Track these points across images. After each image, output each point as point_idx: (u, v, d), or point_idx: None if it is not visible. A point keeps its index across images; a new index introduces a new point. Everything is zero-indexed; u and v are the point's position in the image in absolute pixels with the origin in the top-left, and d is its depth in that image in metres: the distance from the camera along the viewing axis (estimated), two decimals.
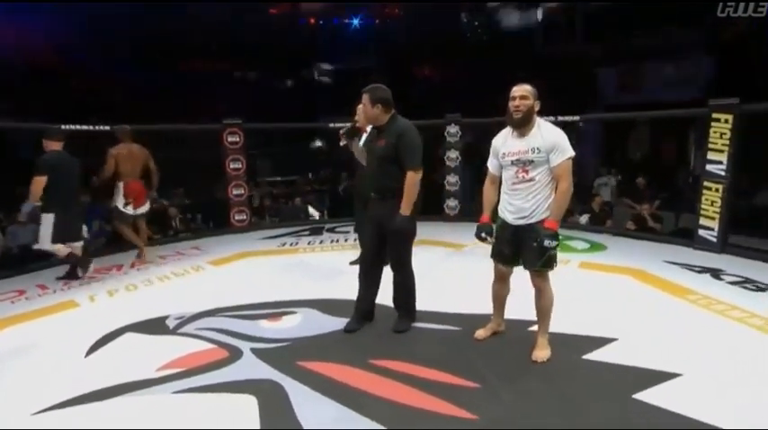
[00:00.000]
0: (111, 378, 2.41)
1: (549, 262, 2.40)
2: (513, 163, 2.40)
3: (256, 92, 10.83)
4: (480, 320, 2.89)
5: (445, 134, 6.28)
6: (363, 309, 2.96)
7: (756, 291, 3.51)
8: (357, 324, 2.93)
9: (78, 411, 2.16)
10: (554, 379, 2.34)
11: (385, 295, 2.98)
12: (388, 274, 2.94)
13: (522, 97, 2.34)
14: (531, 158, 2.35)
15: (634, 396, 2.18)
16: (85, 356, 2.72)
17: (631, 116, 8.04)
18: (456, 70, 11.09)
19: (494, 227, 2.56)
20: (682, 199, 6.64)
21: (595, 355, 2.56)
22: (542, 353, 2.53)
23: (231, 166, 6.00)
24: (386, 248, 2.84)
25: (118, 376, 2.43)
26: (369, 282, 2.93)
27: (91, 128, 5.06)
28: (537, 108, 2.38)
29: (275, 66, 11.33)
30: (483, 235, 2.54)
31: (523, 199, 2.40)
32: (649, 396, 2.17)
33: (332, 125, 5.92)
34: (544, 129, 2.37)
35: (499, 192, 2.56)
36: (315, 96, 12.24)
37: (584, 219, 6.20)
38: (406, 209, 2.69)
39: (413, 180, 2.67)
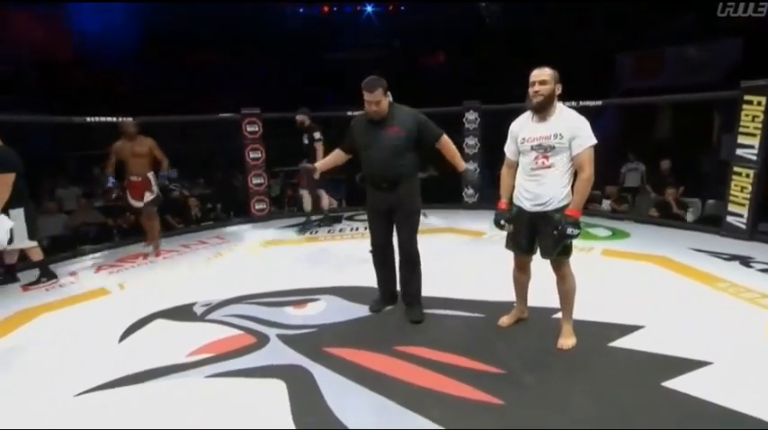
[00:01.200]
0: (145, 362, 2.49)
1: (567, 250, 2.37)
2: (533, 148, 2.33)
3: (268, 82, 10.82)
4: (503, 307, 2.88)
5: (464, 121, 6.21)
6: (389, 291, 3.06)
7: None
8: (382, 304, 3.04)
9: (118, 393, 2.24)
10: (579, 366, 2.34)
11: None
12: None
13: (542, 82, 2.27)
14: (553, 144, 2.28)
15: (663, 383, 2.15)
16: (119, 342, 2.80)
17: (659, 100, 7.81)
18: (472, 57, 10.89)
19: (511, 213, 2.51)
20: (707, 185, 6.46)
21: (622, 343, 2.53)
22: (568, 340, 2.51)
23: (251, 156, 6.03)
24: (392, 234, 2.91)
25: (151, 361, 2.50)
26: (388, 267, 3.00)
27: (115, 119, 5.13)
28: (558, 92, 2.30)
29: (286, 55, 11.28)
30: (502, 222, 2.50)
31: (541, 185, 2.34)
32: (679, 384, 2.14)
33: (349, 113, 5.89)
34: (566, 115, 2.31)
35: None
36: (327, 85, 12.19)
37: (606, 204, 6.10)
38: (461, 164, 2.86)
39: (449, 142, 2.83)
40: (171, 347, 2.65)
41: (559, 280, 2.49)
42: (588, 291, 3.16)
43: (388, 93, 2.72)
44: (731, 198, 4.39)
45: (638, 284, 3.41)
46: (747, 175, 4.24)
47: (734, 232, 4.41)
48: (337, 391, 2.17)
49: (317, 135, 5.13)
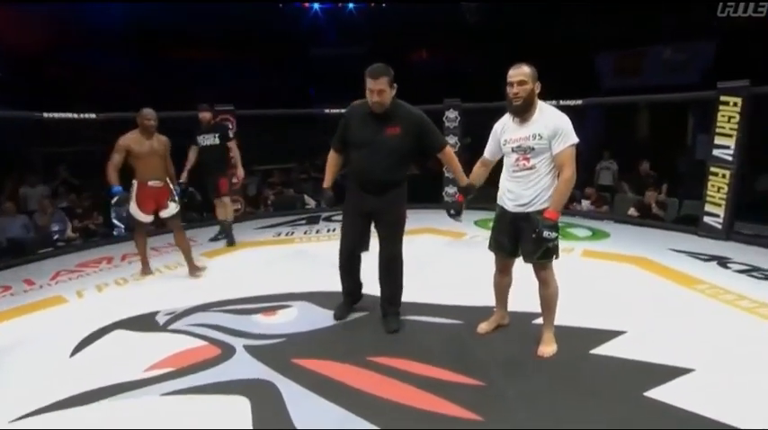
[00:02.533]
0: (97, 379, 2.29)
1: (548, 253, 2.29)
2: (513, 150, 2.29)
3: (248, 78, 10.54)
4: (483, 313, 2.79)
5: (444, 119, 6.10)
6: (353, 298, 2.93)
7: (764, 279, 3.41)
8: (346, 311, 2.90)
9: (60, 417, 2.03)
10: (561, 376, 2.24)
11: (375, 285, 2.86)
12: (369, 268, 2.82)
13: (521, 83, 2.19)
14: (532, 146, 2.22)
15: (646, 393, 2.07)
16: (71, 356, 2.58)
17: (636, 100, 7.87)
18: (455, 54, 10.82)
19: (463, 207, 2.57)
20: (683, 185, 6.52)
21: (603, 349, 2.46)
22: (548, 348, 2.43)
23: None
24: (366, 240, 2.74)
25: (104, 377, 2.30)
26: (354, 275, 2.85)
27: (76, 116, 4.85)
28: (537, 90, 2.23)
29: (267, 52, 11.01)
30: (452, 211, 2.55)
31: (524, 187, 2.29)
32: (662, 393, 2.06)
33: (327, 111, 5.75)
34: (547, 115, 2.23)
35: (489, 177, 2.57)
36: (309, 82, 11.97)
37: (585, 205, 6.08)
38: (463, 178, 2.69)
39: (452, 153, 2.71)
40: (128, 361, 2.45)
41: (541, 285, 2.41)
42: (569, 293, 3.11)
43: (395, 85, 2.47)
44: (708, 198, 4.40)
45: (619, 287, 3.37)
46: (724, 176, 4.25)
47: (711, 232, 4.42)
48: (305, 409, 2.02)
49: (230, 133, 4.70)
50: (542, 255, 2.28)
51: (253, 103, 6.11)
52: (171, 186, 3.73)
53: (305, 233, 5.18)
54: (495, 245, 2.50)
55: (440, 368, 2.31)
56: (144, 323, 2.95)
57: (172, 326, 2.88)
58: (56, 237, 5.38)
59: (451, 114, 6.09)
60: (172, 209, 3.68)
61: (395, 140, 2.48)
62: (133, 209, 3.62)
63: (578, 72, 9.79)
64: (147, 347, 2.61)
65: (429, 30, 10.98)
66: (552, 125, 2.19)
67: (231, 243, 4.77)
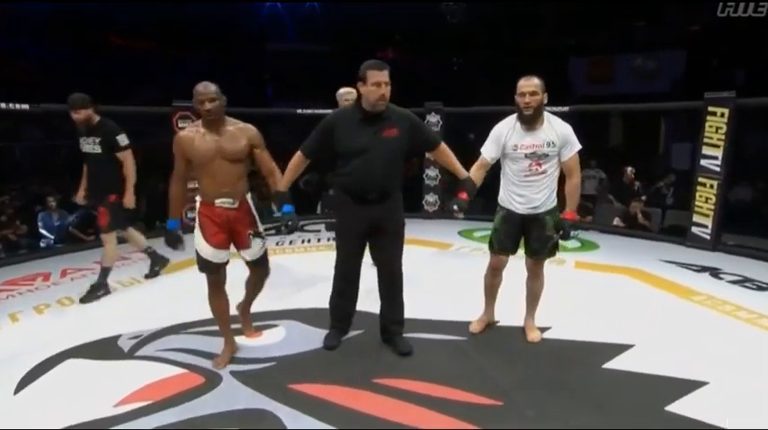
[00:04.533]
0: (54, 419, 2.12)
1: (554, 250, 2.72)
2: (526, 156, 2.57)
3: (201, 74, 10.28)
4: (487, 328, 2.94)
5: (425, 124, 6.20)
6: (346, 323, 2.85)
7: (757, 290, 3.72)
8: (338, 339, 2.81)
9: None
10: (580, 393, 2.34)
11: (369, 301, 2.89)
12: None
13: (532, 93, 2.49)
14: (547, 152, 2.55)
15: (667, 408, 2.20)
16: (15, 393, 2.36)
17: (621, 108, 8.37)
18: (429, 56, 11.07)
19: (467, 204, 2.66)
20: (660, 194, 6.99)
21: (615, 364, 2.59)
22: (536, 334, 2.85)
23: None
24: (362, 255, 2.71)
25: (66, 415, 2.14)
26: (352, 299, 2.79)
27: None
28: (545, 101, 2.54)
29: (222, 47, 10.78)
30: (455, 207, 2.64)
31: (535, 190, 2.60)
32: (683, 407, 2.21)
33: (300, 111, 5.73)
34: (555, 123, 2.58)
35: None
36: (267, 81, 11.83)
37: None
38: (462, 171, 2.67)
39: (447, 148, 2.71)
40: (91, 396, 2.30)
41: (534, 278, 2.81)
42: (570, 306, 3.32)
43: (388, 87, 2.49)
44: (696, 209, 4.74)
45: (619, 299, 3.55)
46: (711, 186, 4.60)
47: (698, 243, 4.76)
48: None
49: (123, 138, 3.55)
50: (551, 252, 2.70)
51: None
52: (253, 209, 2.59)
53: (277, 244, 5.07)
54: (498, 246, 2.77)
55: (453, 388, 2.35)
56: (104, 350, 2.77)
57: (140, 353, 2.73)
58: None
59: (433, 119, 6.21)
60: (255, 249, 2.58)
61: (394, 143, 2.49)
62: (199, 243, 2.48)
63: (552, 78, 10.35)
64: (112, 378, 2.46)
65: (398, 29, 11.20)
66: (562, 133, 2.56)
67: (163, 265, 4.16)
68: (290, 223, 2.58)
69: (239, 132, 2.47)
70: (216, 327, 2.72)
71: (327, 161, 2.71)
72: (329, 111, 3.02)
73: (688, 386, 2.37)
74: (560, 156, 2.57)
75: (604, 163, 7.89)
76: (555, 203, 2.65)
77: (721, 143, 4.45)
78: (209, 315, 3.13)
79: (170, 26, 9.96)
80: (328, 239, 4.97)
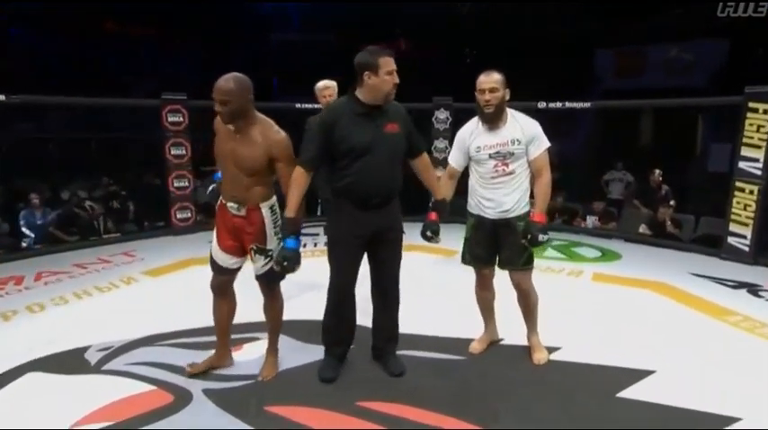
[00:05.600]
0: None
1: (531, 259, 2.62)
2: (491, 156, 2.54)
3: (195, 64, 10.27)
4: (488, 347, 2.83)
5: (433, 120, 6.13)
6: (343, 347, 2.68)
7: None
8: (338, 370, 2.63)
9: None
10: (590, 424, 2.20)
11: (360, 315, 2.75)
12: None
13: (492, 90, 2.47)
14: (512, 150, 2.52)
15: None
16: None
17: (649, 104, 8.14)
18: (441, 48, 10.94)
19: (439, 226, 2.63)
20: (696, 199, 6.77)
21: (633, 393, 2.45)
22: (542, 354, 2.73)
23: (172, 152, 5.63)
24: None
25: None
26: (350, 317, 2.64)
27: None
28: (507, 98, 2.52)
29: (219, 35, 10.80)
30: (428, 233, 2.61)
31: (504, 193, 2.56)
32: None
33: (299, 106, 5.71)
34: (521, 121, 2.56)
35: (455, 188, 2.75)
36: (269, 72, 11.81)
37: (591, 221, 6.19)
38: (439, 192, 2.63)
39: (429, 160, 2.63)
40: (48, 415, 2.23)
41: (522, 296, 2.69)
42: (584, 324, 3.21)
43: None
44: (733, 217, 4.56)
45: (639, 316, 3.40)
46: (751, 192, 4.41)
47: (736, 255, 4.57)
48: None
49: None
50: (526, 261, 2.59)
51: (196, 92, 5.88)
52: (267, 217, 2.40)
53: None
54: (470, 257, 2.72)
55: (446, 415, 2.24)
56: (70, 362, 2.72)
57: (107, 366, 2.68)
58: None
59: (442, 115, 6.13)
60: (258, 266, 2.45)
61: (395, 139, 2.40)
62: (213, 243, 2.49)
63: (576, 71, 10.12)
64: (74, 395, 2.40)
65: (410, 19, 11.09)
66: (528, 130, 2.53)
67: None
68: (285, 263, 2.27)
69: (261, 138, 2.28)
70: (193, 339, 2.70)
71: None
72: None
73: (717, 422, 2.21)
74: (528, 154, 2.53)
75: (632, 164, 7.65)
76: (528, 208, 2.59)
77: (763, 143, 4.26)
78: (187, 325, 3.12)
79: (167, 12, 9.96)
80: (315, 245, 4.93)
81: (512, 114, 2.56)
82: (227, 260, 2.44)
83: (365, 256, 2.55)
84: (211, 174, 2.48)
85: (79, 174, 7.95)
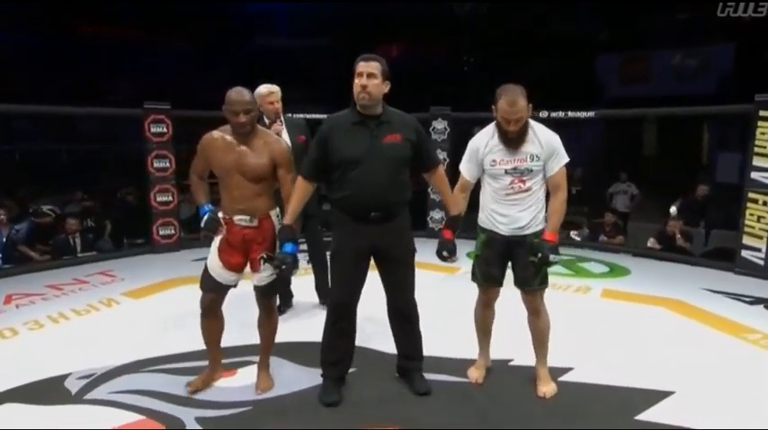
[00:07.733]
0: None
1: (546, 279, 2.59)
2: (507, 172, 2.49)
3: (183, 69, 10.32)
4: (499, 368, 2.86)
5: (431, 130, 6.19)
6: (341, 367, 2.69)
7: None
8: (339, 394, 2.63)
9: None
10: None
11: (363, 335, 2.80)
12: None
13: (518, 120, 2.38)
14: (530, 167, 2.48)
15: None
16: None
17: (655, 112, 8.28)
18: (435, 52, 11.10)
19: (455, 244, 2.63)
20: (703, 211, 6.85)
21: (651, 415, 2.47)
22: (549, 387, 2.65)
23: (155, 165, 5.63)
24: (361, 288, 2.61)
25: None
26: (350, 336, 2.65)
27: None
28: (530, 113, 2.45)
29: (207, 39, 10.87)
30: (444, 253, 2.61)
31: (519, 209, 2.52)
32: None
33: (290, 115, 5.66)
34: (540, 134, 2.49)
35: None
36: (257, 77, 11.90)
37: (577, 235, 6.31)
38: (455, 207, 2.66)
39: (444, 174, 2.69)
40: None
41: (534, 317, 2.64)
42: (594, 343, 3.22)
43: (388, 83, 2.43)
44: (746, 229, 4.64)
45: (653, 334, 3.44)
46: (765, 203, 4.49)
47: (750, 269, 4.64)
48: None
49: None
50: (542, 281, 2.56)
51: (184, 100, 5.91)
52: (276, 223, 2.58)
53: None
54: (483, 276, 2.65)
55: None
56: (48, 392, 2.68)
57: (90, 396, 2.64)
58: None
59: (440, 125, 6.19)
60: (263, 275, 2.54)
61: (395, 149, 2.44)
62: (211, 259, 2.56)
63: (578, 78, 10.30)
64: (55, 427, 2.36)
65: (404, 23, 11.24)
66: (548, 145, 2.48)
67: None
68: (283, 267, 2.41)
69: (265, 147, 2.48)
70: (181, 364, 2.70)
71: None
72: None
73: None
74: (546, 170, 2.49)
75: (637, 176, 7.78)
76: (544, 224, 2.55)
77: None
78: (174, 349, 3.09)
79: (152, 12, 9.98)
80: (308, 262, 4.90)
81: (532, 127, 2.49)
82: (228, 277, 2.56)
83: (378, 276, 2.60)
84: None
85: (49, 189, 7.92)
